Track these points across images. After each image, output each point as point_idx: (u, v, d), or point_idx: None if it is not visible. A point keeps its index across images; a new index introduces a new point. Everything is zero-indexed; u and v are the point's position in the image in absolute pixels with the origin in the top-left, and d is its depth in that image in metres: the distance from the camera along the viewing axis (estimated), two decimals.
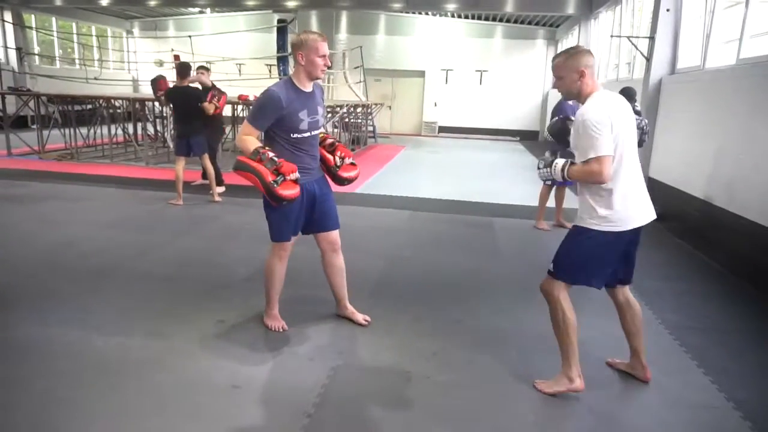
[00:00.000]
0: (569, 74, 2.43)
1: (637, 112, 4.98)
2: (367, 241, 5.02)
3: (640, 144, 4.53)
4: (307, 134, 2.91)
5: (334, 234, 3.16)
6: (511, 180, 8.98)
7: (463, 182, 8.68)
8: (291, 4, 13.48)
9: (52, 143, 9.93)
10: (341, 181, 3.14)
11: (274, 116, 2.78)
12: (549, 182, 4.95)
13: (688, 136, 6.42)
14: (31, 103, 10.20)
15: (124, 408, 2.37)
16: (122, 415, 2.32)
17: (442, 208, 6.64)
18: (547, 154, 2.57)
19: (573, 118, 5.01)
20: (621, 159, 2.37)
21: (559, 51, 17.06)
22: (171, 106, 6.28)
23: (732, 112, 5.40)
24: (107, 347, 2.87)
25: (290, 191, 2.70)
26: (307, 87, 2.89)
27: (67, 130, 9.84)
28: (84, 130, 10.29)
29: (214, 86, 6.56)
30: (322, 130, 3.06)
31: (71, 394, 2.45)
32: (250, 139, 2.80)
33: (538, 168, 2.67)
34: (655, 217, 2.52)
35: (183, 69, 6.25)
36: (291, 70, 2.85)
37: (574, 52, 2.44)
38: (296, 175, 2.72)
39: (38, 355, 2.79)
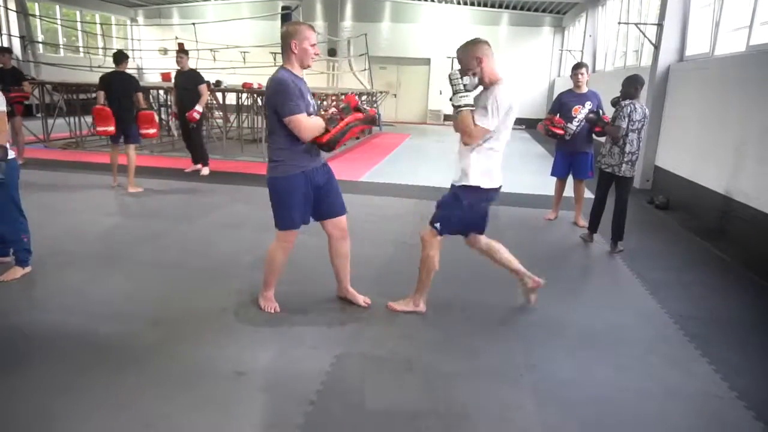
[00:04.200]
0: (470, 61, 2.80)
1: (595, 112, 4.93)
2: (372, 229, 5.02)
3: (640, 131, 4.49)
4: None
5: (343, 219, 3.18)
6: (516, 169, 8.91)
7: None
8: None
9: (57, 132, 9.95)
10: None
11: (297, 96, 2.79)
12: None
13: (696, 125, 6.35)
14: (36, 92, 10.19)
15: (126, 395, 2.38)
16: (124, 403, 2.33)
17: None
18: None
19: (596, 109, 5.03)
20: (502, 136, 2.88)
21: (569, 37, 16.72)
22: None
23: (741, 100, 5.34)
24: (109, 334, 2.89)
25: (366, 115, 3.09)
26: (301, 74, 2.94)
27: (72, 119, 9.83)
28: (89, 119, 10.28)
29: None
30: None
31: (72, 382, 2.46)
32: (313, 122, 2.85)
33: (456, 79, 2.85)
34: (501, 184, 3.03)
35: (117, 57, 6.19)
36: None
37: (472, 43, 2.83)
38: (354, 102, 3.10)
39: (40, 342, 2.81)
